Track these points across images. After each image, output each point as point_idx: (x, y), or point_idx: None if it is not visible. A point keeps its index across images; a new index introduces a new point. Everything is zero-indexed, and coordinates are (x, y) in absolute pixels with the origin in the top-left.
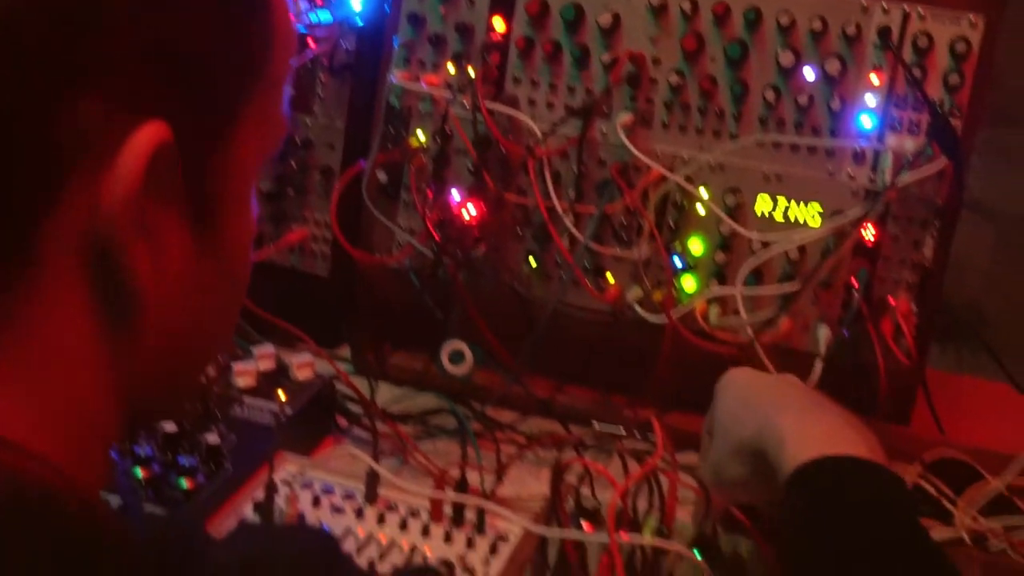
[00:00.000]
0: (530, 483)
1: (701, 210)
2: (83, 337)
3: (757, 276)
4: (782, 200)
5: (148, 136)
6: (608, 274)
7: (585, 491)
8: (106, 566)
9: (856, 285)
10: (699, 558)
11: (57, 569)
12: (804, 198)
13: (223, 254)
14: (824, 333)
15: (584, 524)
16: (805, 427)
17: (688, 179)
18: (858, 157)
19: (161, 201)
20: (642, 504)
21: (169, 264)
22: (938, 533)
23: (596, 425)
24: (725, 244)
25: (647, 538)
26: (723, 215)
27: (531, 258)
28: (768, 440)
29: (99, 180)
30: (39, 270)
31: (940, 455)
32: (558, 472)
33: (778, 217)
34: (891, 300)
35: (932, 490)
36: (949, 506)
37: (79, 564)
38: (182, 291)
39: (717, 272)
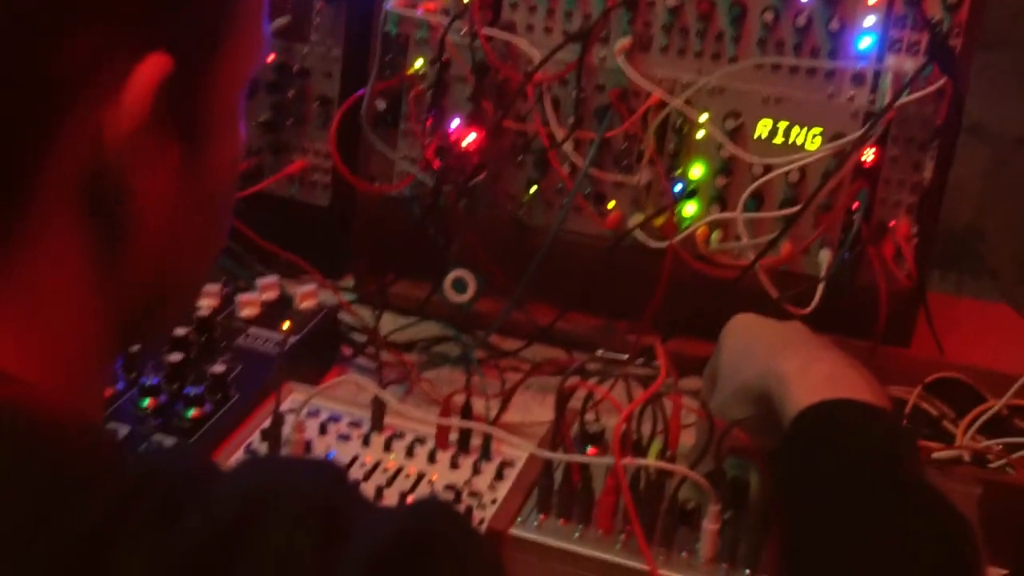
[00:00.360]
0: (534, 410)
1: (701, 134)
2: (75, 266)
3: (757, 200)
4: (782, 123)
5: (153, 68)
6: (609, 200)
7: (589, 416)
8: (104, 488)
9: (856, 207)
10: (703, 480)
11: (54, 492)
12: (804, 121)
13: (210, 174)
14: (825, 256)
15: (589, 449)
16: (808, 372)
17: (688, 103)
18: (858, 79)
19: (158, 128)
20: (646, 429)
21: (160, 187)
22: (939, 453)
23: (599, 352)
24: (725, 168)
25: (652, 461)
26: (723, 139)
27: (531, 185)
28: (772, 384)
29: (101, 114)
30: (37, 206)
31: (940, 376)
32: (562, 397)
33: (778, 141)
34: (891, 222)
35: (932, 411)
36: (949, 426)
37: (75, 487)
38: (171, 212)
39: (717, 196)
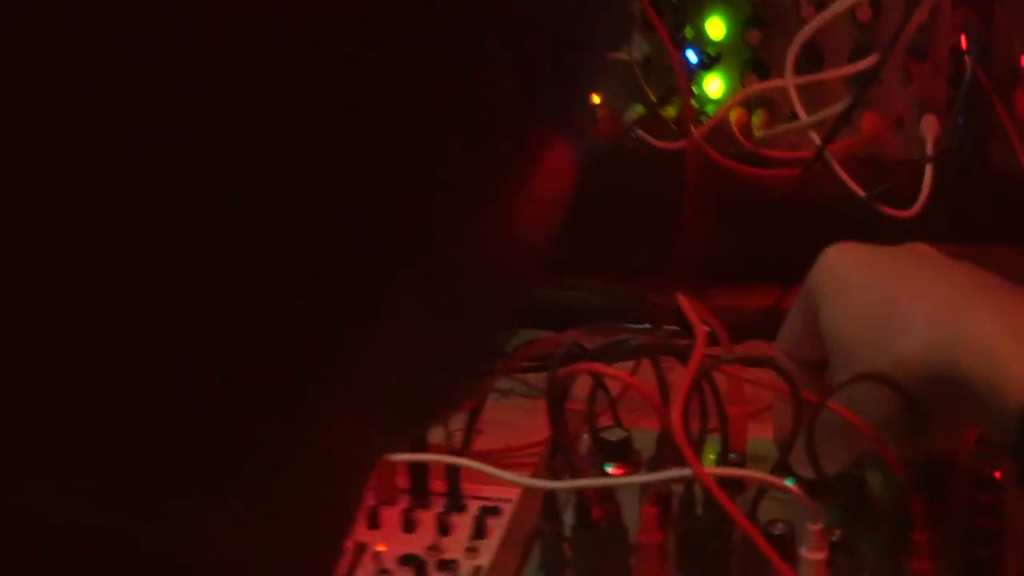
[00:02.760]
0: (522, 425)
1: None
2: None
3: (815, 57)
4: None
5: None
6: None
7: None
8: None
9: (966, 47)
10: (794, 488)
11: None
12: None
13: None
14: (930, 125)
15: (611, 468)
16: (1018, 329)
17: None
18: None
19: None
20: (693, 424)
21: None
22: None
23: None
24: (757, 17)
25: (711, 468)
26: None
27: None
28: (960, 359)
29: None
30: None
31: None
32: (556, 392)
33: None
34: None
35: None
36: None
37: None
38: None
39: (753, 61)
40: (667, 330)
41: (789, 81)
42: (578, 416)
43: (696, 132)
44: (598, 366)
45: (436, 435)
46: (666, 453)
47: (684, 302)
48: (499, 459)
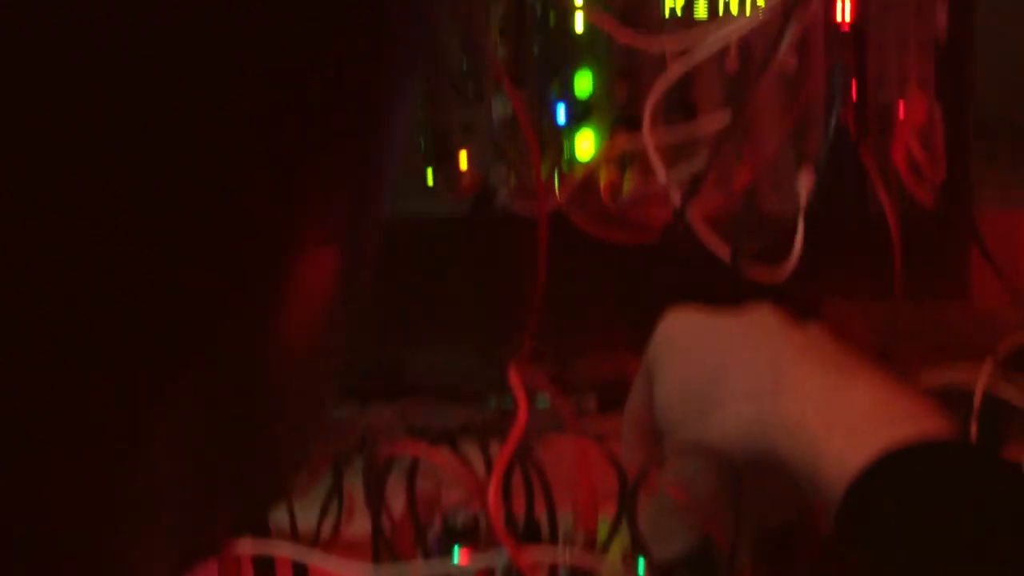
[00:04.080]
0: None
1: (579, 22)
2: None
3: (686, 110)
4: None
5: None
6: (462, 154)
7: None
8: None
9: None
10: None
11: None
12: None
13: None
14: (806, 178)
15: (460, 552)
16: (834, 406)
17: None
18: None
19: None
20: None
21: None
22: None
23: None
24: (623, 69)
25: (564, 552)
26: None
27: None
28: (775, 436)
29: None
30: None
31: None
32: (377, 473)
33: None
34: (898, 105)
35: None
36: None
37: None
38: None
39: (624, 117)
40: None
41: (647, 138)
42: (427, 499)
43: (557, 194)
44: (419, 446)
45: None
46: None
47: (514, 374)
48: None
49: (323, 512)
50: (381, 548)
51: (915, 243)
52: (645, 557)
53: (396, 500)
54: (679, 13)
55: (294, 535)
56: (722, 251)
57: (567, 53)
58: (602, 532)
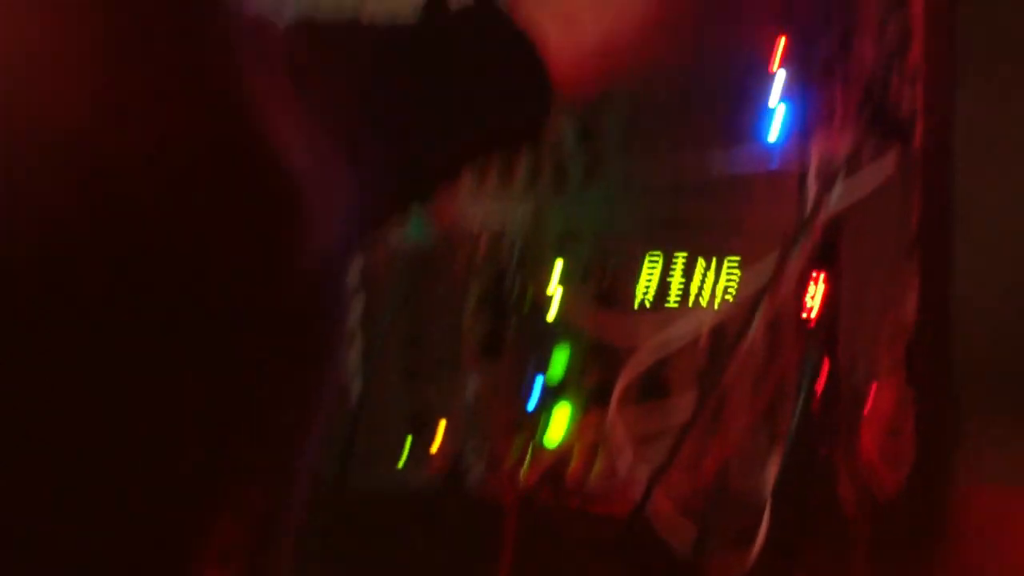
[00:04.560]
0: None
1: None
2: None
3: (659, 390)
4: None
5: None
6: (440, 425)
7: None
8: None
9: (798, 380)
10: None
11: None
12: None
13: None
14: (775, 460)
15: None
16: None
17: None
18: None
19: None
20: None
21: None
22: None
23: None
24: (598, 350)
25: None
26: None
27: None
28: None
29: None
30: None
31: None
32: None
33: (673, 294)
34: (870, 391)
35: None
36: None
37: None
38: None
39: (598, 394)
40: None
41: (612, 419)
42: None
43: (528, 478)
44: None
45: None
46: None
47: None
48: None
49: None
50: None
51: (881, 532)
52: None
53: None
54: (648, 303)
55: None
56: (687, 537)
57: (542, 335)
58: None
